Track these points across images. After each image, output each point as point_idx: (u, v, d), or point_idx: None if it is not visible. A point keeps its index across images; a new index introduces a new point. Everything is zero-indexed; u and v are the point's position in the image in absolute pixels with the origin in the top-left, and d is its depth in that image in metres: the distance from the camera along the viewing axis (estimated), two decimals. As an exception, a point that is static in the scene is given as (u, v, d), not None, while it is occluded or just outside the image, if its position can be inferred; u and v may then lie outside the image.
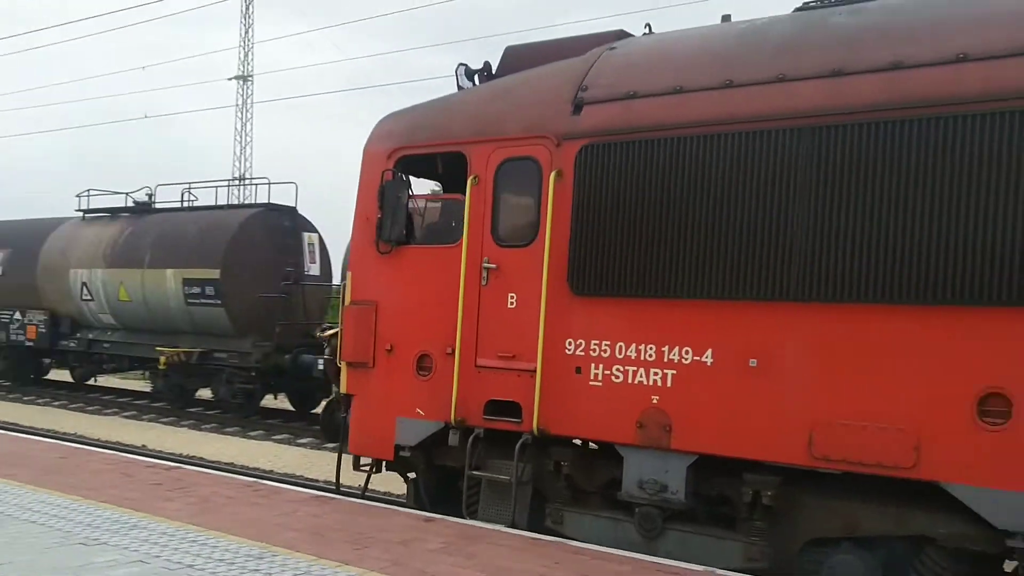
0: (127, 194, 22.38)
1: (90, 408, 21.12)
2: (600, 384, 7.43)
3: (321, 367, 17.63)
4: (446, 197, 9.01)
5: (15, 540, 6.76)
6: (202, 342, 19.57)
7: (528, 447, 7.82)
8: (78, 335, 22.01)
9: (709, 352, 6.95)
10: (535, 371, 7.66)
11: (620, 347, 7.36)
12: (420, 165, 8.94)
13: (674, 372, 7.09)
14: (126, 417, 20.02)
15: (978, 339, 5.94)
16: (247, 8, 56.60)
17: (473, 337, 8.07)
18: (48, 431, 17.50)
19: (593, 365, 7.47)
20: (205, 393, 20.98)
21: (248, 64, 56.42)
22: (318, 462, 15.24)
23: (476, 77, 8.98)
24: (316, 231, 20.67)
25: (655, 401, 7.15)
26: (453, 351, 8.14)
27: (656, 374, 7.18)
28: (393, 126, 8.95)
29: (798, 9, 7.57)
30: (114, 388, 24.28)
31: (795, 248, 6.56)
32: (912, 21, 6.60)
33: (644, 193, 7.25)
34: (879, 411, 6.24)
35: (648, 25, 8.62)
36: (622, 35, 8.57)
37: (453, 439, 8.22)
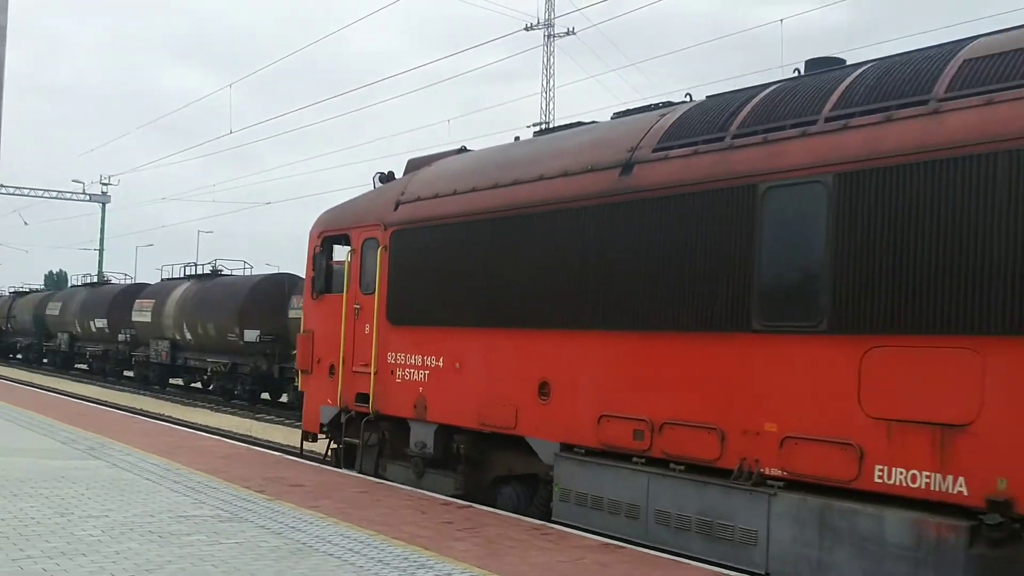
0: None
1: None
2: (400, 381, 11.43)
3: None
4: (340, 262, 12.97)
5: (311, 572, 6.93)
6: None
7: (371, 422, 12.02)
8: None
9: (441, 359, 10.90)
10: (374, 373, 11.82)
11: (408, 357, 11.36)
12: (337, 241, 13.12)
13: (428, 372, 11.06)
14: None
15: (537, 348, 9.65)
16: (548, 59, 58.53)
17: (351, 352, 12.31)
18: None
19: (398, 369, 11.48)
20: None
21: (550, 112, 58.15)
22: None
23: (384, 180, 13.07)
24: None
25: (421, 391, 11.13)
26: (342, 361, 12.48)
27: (421, 373, 11.15)
28: (324, 216, 13.54)
29: (536, 134, 12.27)
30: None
31: (477, 294, 10.42)
32: (537, 153, 10.49)
33: (417, 262, 11.34)
34: (503, 393, 9.97)
35: (464, 146, 12.65)
36: (462, 150, 12.52)
37: (343, 419, 12.50)
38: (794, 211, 7.40)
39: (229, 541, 7.91)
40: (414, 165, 12.67)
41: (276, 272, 31.83)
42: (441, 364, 10.82)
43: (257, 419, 27.10)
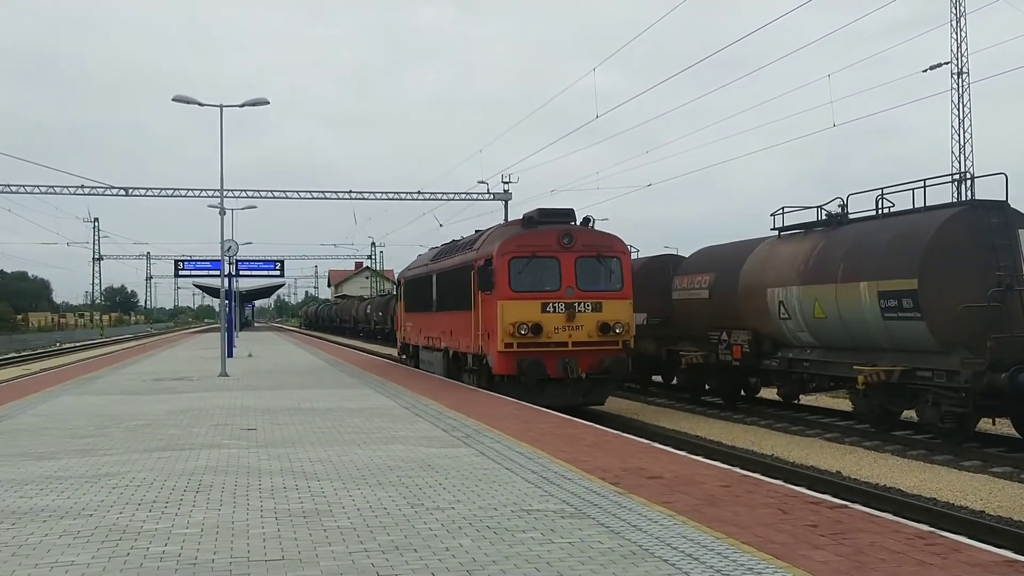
0: (819, 207, 21.59)
1: (793, 428, 20.66)
2: (408, 331, 35.32)
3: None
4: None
5: (636, 583, 6.16)
6: (903, 359, 17.77)
7: (406, 346, 36.44)
8: (779, 354, 21.75)
9: (412, 323, 34.39)
10: (408, 329, 35.87)
11: (408, 322, 35.32)
12: (398, 282, 44.88)
13: (411, 327, 34.47)
14: (827, 439, 19.09)
15: (421, 318, 32.72)
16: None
17: (401, 321, 38.49)
18: (745, 451, 17.37)
19: (408, 326, 35.28)
20: (913, 415, 19.07)
21: (963, 56, 52.13)
22: (1043, 505, 12.51)
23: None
24: (1037, 226, 17.44)
25: (411, 334, 34.71)
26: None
27: (409, 327, 34.93)
28: (402, 271, 41.66)
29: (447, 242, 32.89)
30: (818, 408, 23.58)
31: (418, 299, 32.60)
32: (426, 256, 35.34)
33: (411, 292, 34.57)
34: (414, 334, 33.73)
35: (436, 246, 36.20)
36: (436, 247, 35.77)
37: (403, 346, 39.19)
38: (439, 283, 28.80)
39: (562, 540, 7.38)
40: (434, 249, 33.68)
41: (661, 254, 31.34)
42: (412, 324, 33.31)
43: (648, 403, 26.93)
